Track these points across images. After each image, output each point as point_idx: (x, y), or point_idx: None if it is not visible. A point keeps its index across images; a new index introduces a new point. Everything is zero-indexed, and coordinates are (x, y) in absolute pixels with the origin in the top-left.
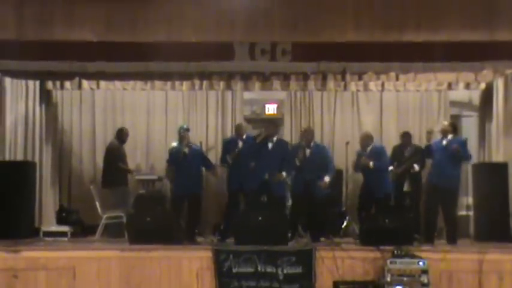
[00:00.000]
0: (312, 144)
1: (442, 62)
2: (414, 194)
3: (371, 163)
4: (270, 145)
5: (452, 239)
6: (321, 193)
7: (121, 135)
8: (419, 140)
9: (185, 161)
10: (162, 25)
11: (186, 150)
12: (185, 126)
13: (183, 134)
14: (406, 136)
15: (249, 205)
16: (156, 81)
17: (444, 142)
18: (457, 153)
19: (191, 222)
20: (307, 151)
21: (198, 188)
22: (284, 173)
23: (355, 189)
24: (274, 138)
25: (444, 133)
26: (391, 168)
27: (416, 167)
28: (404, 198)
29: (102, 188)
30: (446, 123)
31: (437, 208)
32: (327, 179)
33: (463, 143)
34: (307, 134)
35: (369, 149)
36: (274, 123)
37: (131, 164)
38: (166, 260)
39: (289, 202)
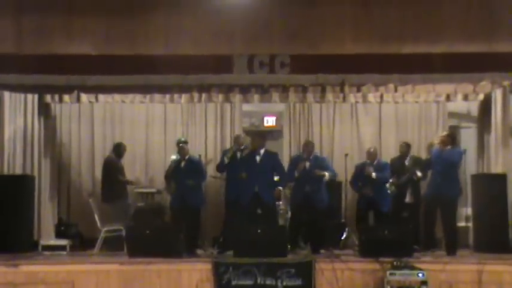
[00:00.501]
0: (311, 156)
1: (441, 74)
2: (414, 205)
3: (373, 174)
4: (257, 158)
5: (452, 250)
6: (321, 205)
7: (118, 149)
8: (418, 151)
9: (181, 174)
10: (160, 38)
11: (183, 163)
12: (183, 139)
13: (181, 146)
14: (405, 147)
15: (246, 217)
16: (155, 94)
17: (443, 153)
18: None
19: (190, 235)
20: (307, 164)
21: (196, 201)
22: (280, 188)
23: (354, 201)
24: (262, 151)
25: (442, 144)
26: (390, 180)
27: (418, 173)
28: (405, 209)
29: (102, 202)
30: (444, 133)
31: (435, 217)
32: (326, 173)
33: (460, 154)
34: (308, 147)
35: (375, 163)
36: (260, 136)
37: (130, 177)
38: (166, 272)
39: (289, 214)
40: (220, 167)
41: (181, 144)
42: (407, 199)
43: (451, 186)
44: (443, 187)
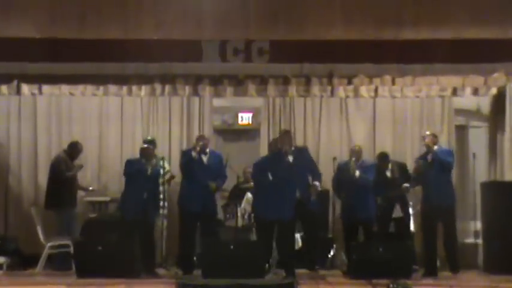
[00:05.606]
0: (293, 149)
1: (446, 64)
2: (404, 220)
3: (357, 172)
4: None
5: (455, 267)
6: (316, 212)
7: (72, 150)
8: (419, 155)
9: (145, 180)
10: (116, 19)
11: (149, 169)
12: (149, 138)
13: (145, 148)
14: (381, 158)
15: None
16: (109, 86)
17: (429, 157)
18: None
19: (147, 251)
20: (290, 158)
21: (154, 213)
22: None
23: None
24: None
25: (431, 145)
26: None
27: (406, 184)
28: (394, 225)
29: (45, 209)
30: (428, 133)
31: (436, 233)
32: (317, 183)
33: (450, 153)
34: (286, 137)
35: (359, 163)
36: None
37: (82, 183)
38: None
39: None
40: (186, 166)
41: (145, 145)
42: (395, 214)
43: (448, 193)
44: (440, 196)
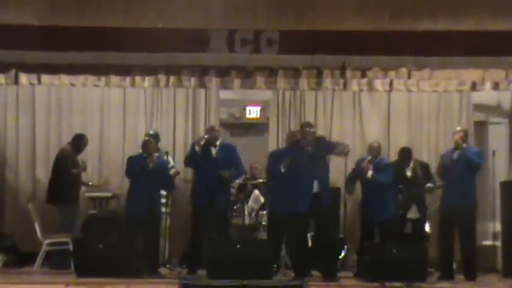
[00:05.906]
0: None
1: (465, 56)
2: (420, 221)
3: (370, 172)
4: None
5: (471, 274)
6: (328, 201)
7: (78, 143)
8: (435, 153)
9: (148, 176)
10: (119, 7)
11: (151, 164)
12: (151, 132)
13: (147, 140)
14: (403, 154)
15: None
16: (112, 76)
17: (455, 155)
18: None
19: (150, 250)
20: (310, 150)
21: (159, 209)
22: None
23: (355, 211)
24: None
25: (461, 142)
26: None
27: (430, 185)
28: (412, 226)
29: (47, 203)
30: (459, 129)
31: (454, 235)
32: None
33: (479, 153)
34: (310, 130)
35: (376, 161)
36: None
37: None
38: None
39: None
40: (189, 160)
41: (147, 138)
42: (411, 214)
43: (470, 193)
44: (461, 196)
